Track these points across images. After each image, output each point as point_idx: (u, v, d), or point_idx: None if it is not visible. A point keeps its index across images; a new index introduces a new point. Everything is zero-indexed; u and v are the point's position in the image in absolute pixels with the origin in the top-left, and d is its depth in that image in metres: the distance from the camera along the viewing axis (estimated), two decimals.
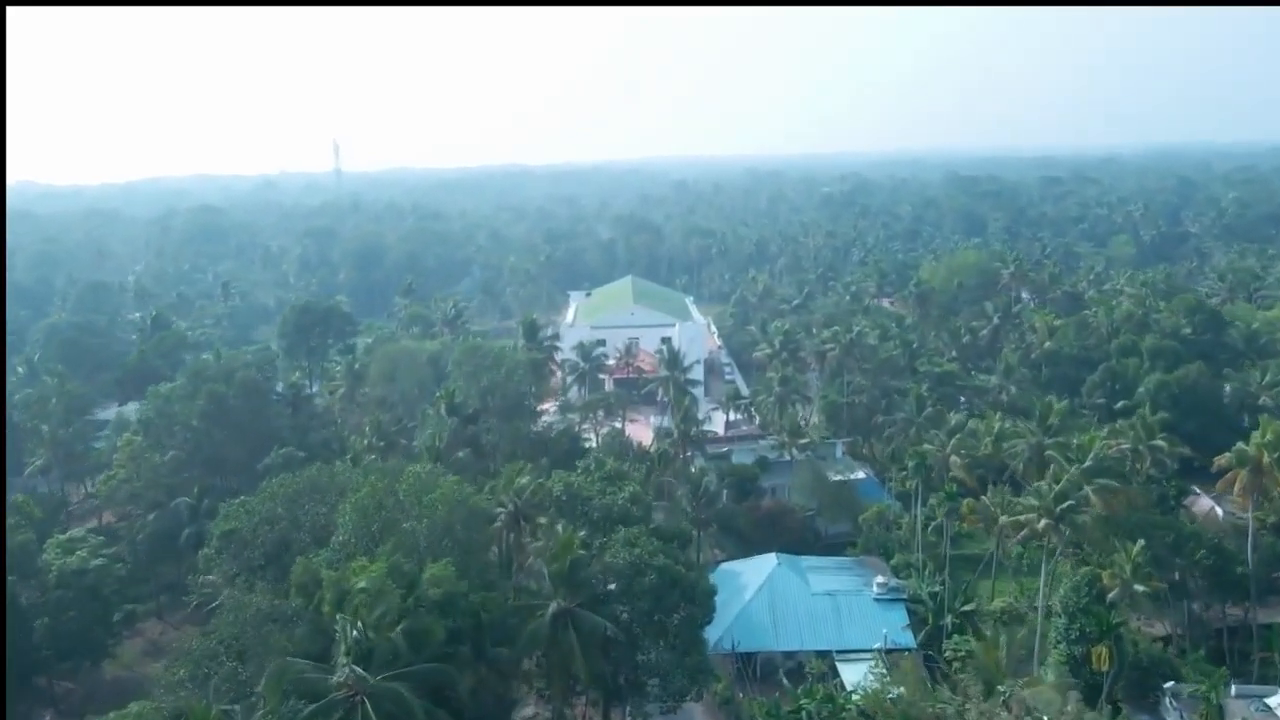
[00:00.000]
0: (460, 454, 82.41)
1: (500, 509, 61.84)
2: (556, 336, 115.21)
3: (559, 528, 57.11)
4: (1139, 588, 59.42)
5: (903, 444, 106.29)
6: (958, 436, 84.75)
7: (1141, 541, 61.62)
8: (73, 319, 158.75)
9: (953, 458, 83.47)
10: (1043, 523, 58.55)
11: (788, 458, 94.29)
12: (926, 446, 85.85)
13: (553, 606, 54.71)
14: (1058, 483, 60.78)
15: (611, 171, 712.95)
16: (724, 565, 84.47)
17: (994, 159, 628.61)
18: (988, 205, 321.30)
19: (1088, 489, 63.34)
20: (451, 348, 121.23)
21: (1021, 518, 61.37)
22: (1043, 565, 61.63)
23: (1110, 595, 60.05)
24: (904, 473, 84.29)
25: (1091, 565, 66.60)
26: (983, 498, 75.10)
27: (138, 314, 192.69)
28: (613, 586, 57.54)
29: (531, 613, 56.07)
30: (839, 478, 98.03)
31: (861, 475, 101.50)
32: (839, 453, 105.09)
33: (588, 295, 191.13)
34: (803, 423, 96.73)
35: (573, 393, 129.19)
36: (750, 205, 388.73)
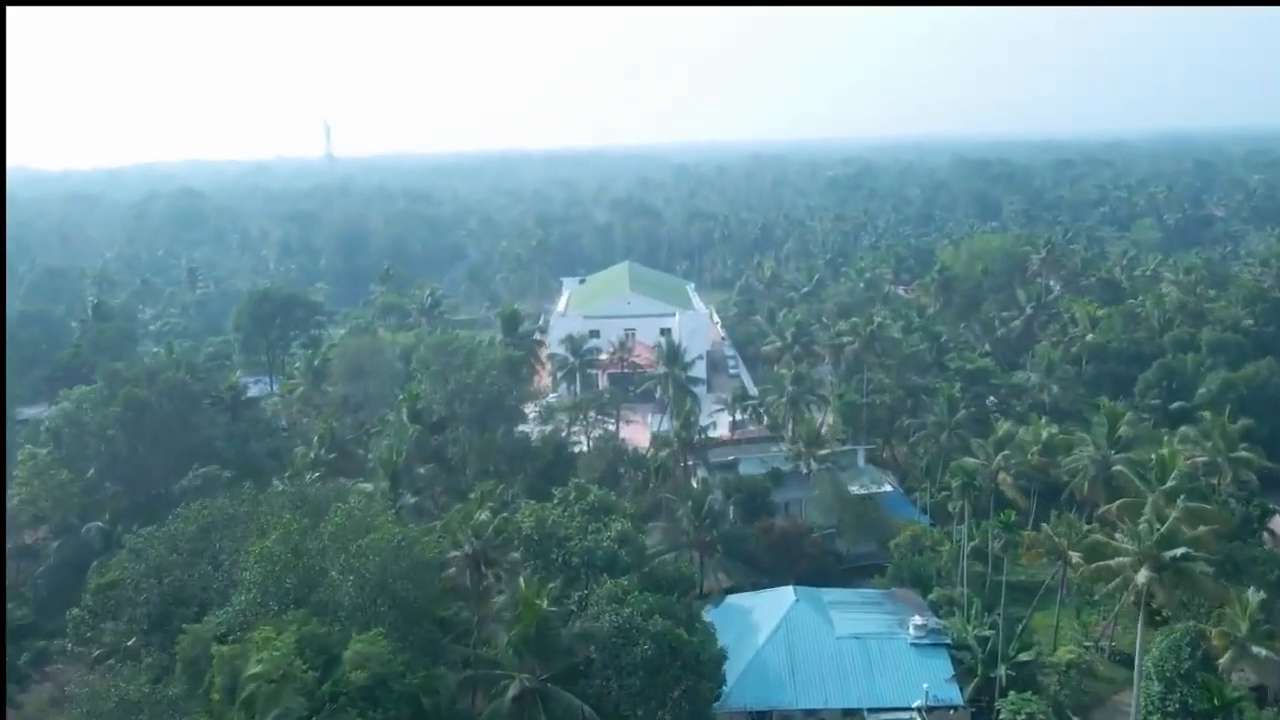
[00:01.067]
0: (422, 469, 70.19)
1: (455, 552, 49.42)
2: (541, 329, 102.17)
3: (522, 580, 44.66)
4: (1259, 650, 47.09)
5: (932, 451, 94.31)
6: (1006, 452, 72.12)
7: (1260, 593, 49.23)
8: (23, 308, 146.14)
9: (1002, 474, 71.05)
10: (1143, 575, 46.12)
11: (805, 470, 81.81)
12: (969, 460, 73.43)
13: (515, 685, 42.46)
14: (1161, 521, 48.06)
15: (611, 156, 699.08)
16: (731, 599, 72.18)
17: (997, 143, 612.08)
18: (1000, 188, 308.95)
19: (1188, 529, 50.30)
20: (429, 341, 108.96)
21: (1112, 563, 48.91)
22: (1139, 626, 49.05)
23: (1221, 661, 47.79)
24: (945, 492, 71.85)
25: (1179, 614, 54.54)
26: (1044, 526, 62.68)
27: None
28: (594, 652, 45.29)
29: (490, 687, 43.90)
30: (862, 490, 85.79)
31: (888, 488, 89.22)
32: (860, 461, 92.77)
33: (581, 282, 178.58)
34: (822, 429, 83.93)
35: (561, 390, 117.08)
36: (754, 188, 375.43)
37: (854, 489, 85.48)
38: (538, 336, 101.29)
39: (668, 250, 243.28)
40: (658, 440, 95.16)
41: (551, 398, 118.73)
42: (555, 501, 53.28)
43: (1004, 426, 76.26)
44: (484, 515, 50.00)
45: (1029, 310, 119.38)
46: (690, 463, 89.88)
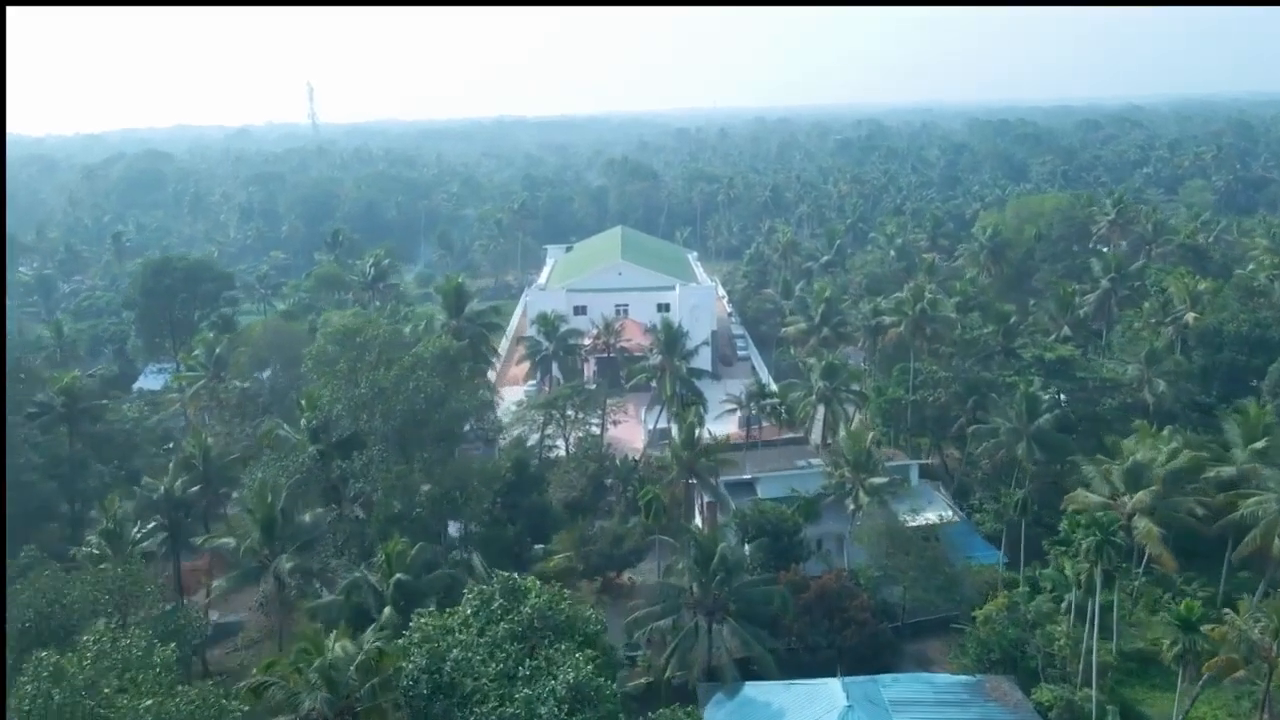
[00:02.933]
0: (309, 516, 49.02)
1: (286, 717, 28.36)
2: (494, 311, 79.81)
3: None
4: None
5: (1001, 465, 73.75)
6: (1154, 488, 50.77)
7: None
8: None
9: (1141, 520, 49.93)
10: None
11: (852, 506, 60.42)
12: (1089, 496, 52.22)
13: None
14: None
15: (609, 122, 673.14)
16: (751, 690, 51.37)
17: (1006, 108, 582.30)
18: (1026, 149, 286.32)
19: None
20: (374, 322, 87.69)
21: None
22: None
23: None
24: (1062, 549, 50.66)
25: None
26: (1232, 617, 41.51)
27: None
28: None
29: None
30: (920, 521, 64.57)
31: (954, 517, 68.24)
32: (914, 478, 71.59)
33: (568, 250, 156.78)
34: (872, 448, 62.13)
35: (535, 382, 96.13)
36: (760, 152, 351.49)
37: (908, 518, 64.34)
38: (484, 320, 76.67)
39: (667, 216, 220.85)
40: (653, 444, 74.47)
41: (526, 388, 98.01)
42: (471, 611, 31.95)
43: (1138, 451, 54.60)
44: (340, 648, 28.95)
45: (1105, 283, 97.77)
46: (692, 481, 68.95)
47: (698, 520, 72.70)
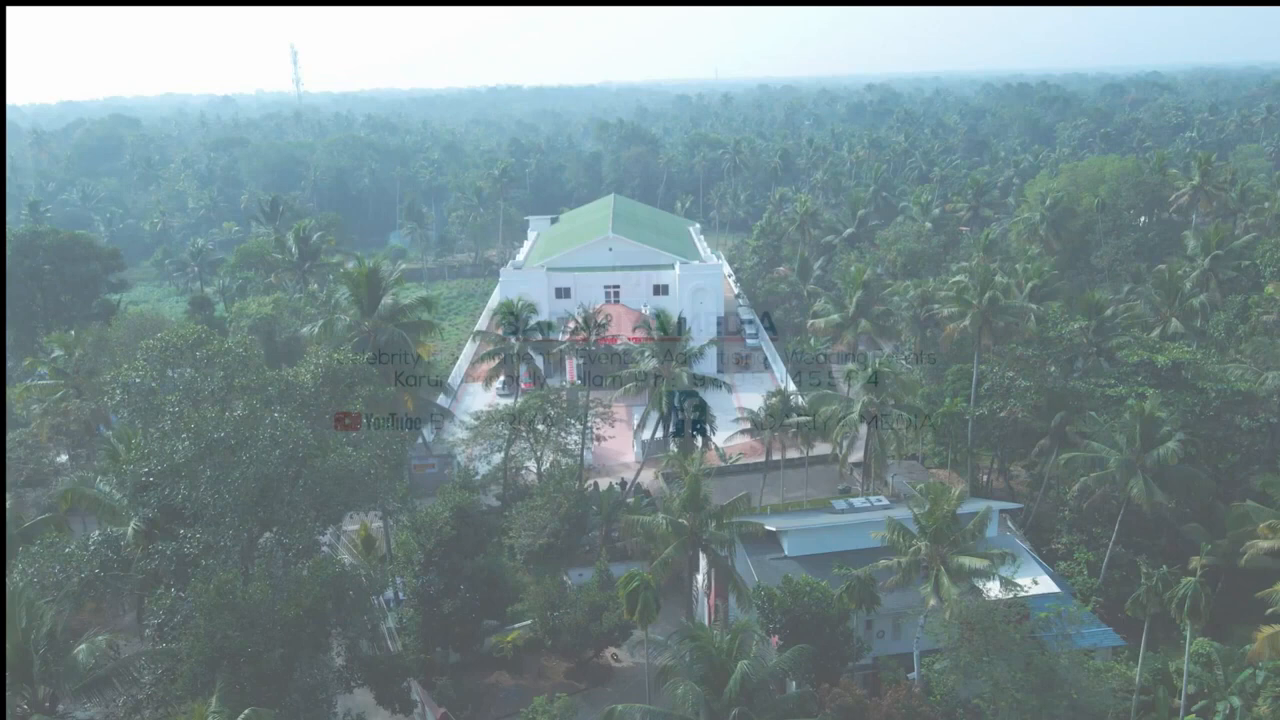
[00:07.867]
0: (92, 645, 30.83)
1: None
2: (426, 305, 60.42)
3: None
4: None
5: (1100, 504, 56.38)
6: None
7: None
8: None
9: None
10: None
11: (929, 595, 41.79)
12: None
13: None
14: None
15: (607, 90, 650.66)
16: None
17: (1018, 75, 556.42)
18: (1054, 114, 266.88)
19: None
20: (289, 309, 69.22)
21: None
22: None
23: None
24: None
25: None
26: None
27: None
28: None
29: None
30: (1006, 593, 46.04)
31: (1054, 586, 50.27)
32: (993, 528, 53.25)
33: (553, 222, 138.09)
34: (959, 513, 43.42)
35: (501, 384, 78.11)
36: (765, 118, 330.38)
37: (991, 589, 45.84)
38: (409, 317, 56.70)
39: (666, 184, 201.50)
40: (641, 485, 56.27)
41: (499, 388, 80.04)
42: None
43: None
44: None
45: (1205, 263, 79.21)
46: (700, 544, 50.64)
47: (698, 581, 54.88)
